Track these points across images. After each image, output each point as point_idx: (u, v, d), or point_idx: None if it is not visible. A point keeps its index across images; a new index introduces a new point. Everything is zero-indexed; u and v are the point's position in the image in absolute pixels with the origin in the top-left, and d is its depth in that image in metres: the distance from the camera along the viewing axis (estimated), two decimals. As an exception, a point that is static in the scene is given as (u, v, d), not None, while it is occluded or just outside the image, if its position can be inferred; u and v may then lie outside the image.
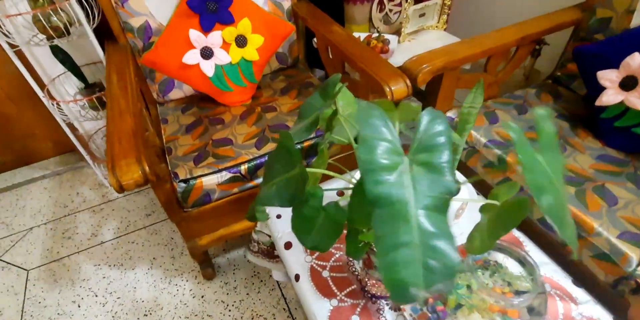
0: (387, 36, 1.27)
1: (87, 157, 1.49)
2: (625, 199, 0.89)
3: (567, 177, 0.97)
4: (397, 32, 1.33)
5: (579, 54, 1.10)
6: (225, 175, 1.01)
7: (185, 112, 1.22)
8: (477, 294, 0.60)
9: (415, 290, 0.28)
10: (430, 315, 0.70)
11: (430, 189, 0.30)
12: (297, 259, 0.79)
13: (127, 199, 1.60)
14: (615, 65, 1.00)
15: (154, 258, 1.37)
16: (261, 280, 1.28)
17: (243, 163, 1.02)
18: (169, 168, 1.03)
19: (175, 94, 1.27)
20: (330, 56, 1.20)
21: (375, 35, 1.27)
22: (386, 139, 0.32)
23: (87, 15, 1.11)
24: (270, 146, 1.06)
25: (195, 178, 0.99)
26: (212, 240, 1.14)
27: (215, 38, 1.07)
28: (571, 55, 1.21)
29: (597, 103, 1.01)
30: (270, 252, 1.00)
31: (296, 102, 1.21)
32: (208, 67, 1.11)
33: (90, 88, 1.31)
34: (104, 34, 1.14)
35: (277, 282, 1.27)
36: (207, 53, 1.09)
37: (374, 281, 0.69)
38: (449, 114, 1.15)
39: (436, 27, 1.35)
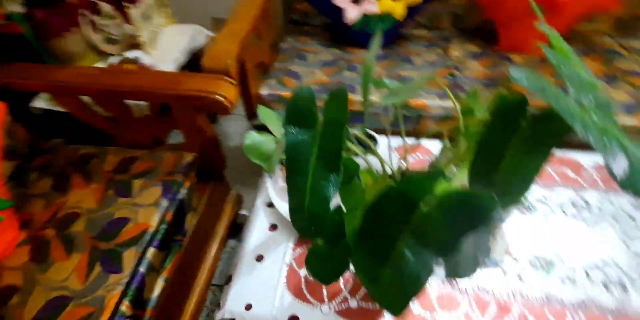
0: (129, 55, 0.98)
1: None
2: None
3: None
4: (134, 46, 1.05)
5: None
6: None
7: None
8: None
9: None
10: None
11: None
12: None
13: None
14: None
15: None
16: None
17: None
18: None
19: None
20: (97, 108, 0.84)
21: (115, 59, 0.96)
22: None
23: None
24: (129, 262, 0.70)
25: None
26: None
27: None
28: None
29: (348, 22, 1.12)
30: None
31: (98, 187, 0.83)
32: None
33: None
34: None
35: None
36: None
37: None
38: (264, 92, 1.03)
39: (167, 24, 1.14)
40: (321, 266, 0.40)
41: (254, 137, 0.39)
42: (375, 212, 0.28)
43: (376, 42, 0.43)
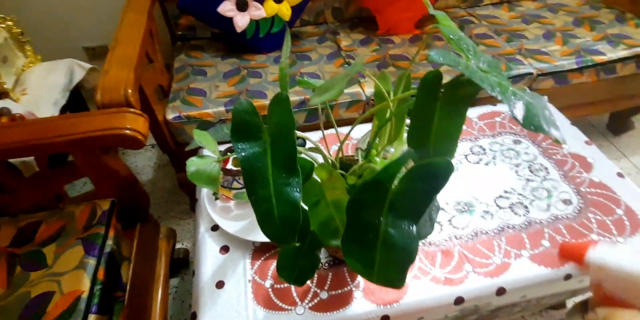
0: (-6, 107, 0.83)
1: None
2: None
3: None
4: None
5: (187, 6, 1.12)
6: None
7: None
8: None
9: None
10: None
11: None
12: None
13: None
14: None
15: None
16: None
17: None
18: None
19: None
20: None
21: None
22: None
23: None
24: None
25: None
26: None
27: None
28: (177, 13, 1.24)
29: (239, 30, 1.12)
30: None
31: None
32: None
33: None
34: None
35: None
36: None
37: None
38: (170, 116, 0.96)
39: (32, 63, 0.99)
40: (293, 267, 0.40)
41: (196, 162, 0.36)
42: (356, 204, 0.28)
43: (287, 43, 0.43)
